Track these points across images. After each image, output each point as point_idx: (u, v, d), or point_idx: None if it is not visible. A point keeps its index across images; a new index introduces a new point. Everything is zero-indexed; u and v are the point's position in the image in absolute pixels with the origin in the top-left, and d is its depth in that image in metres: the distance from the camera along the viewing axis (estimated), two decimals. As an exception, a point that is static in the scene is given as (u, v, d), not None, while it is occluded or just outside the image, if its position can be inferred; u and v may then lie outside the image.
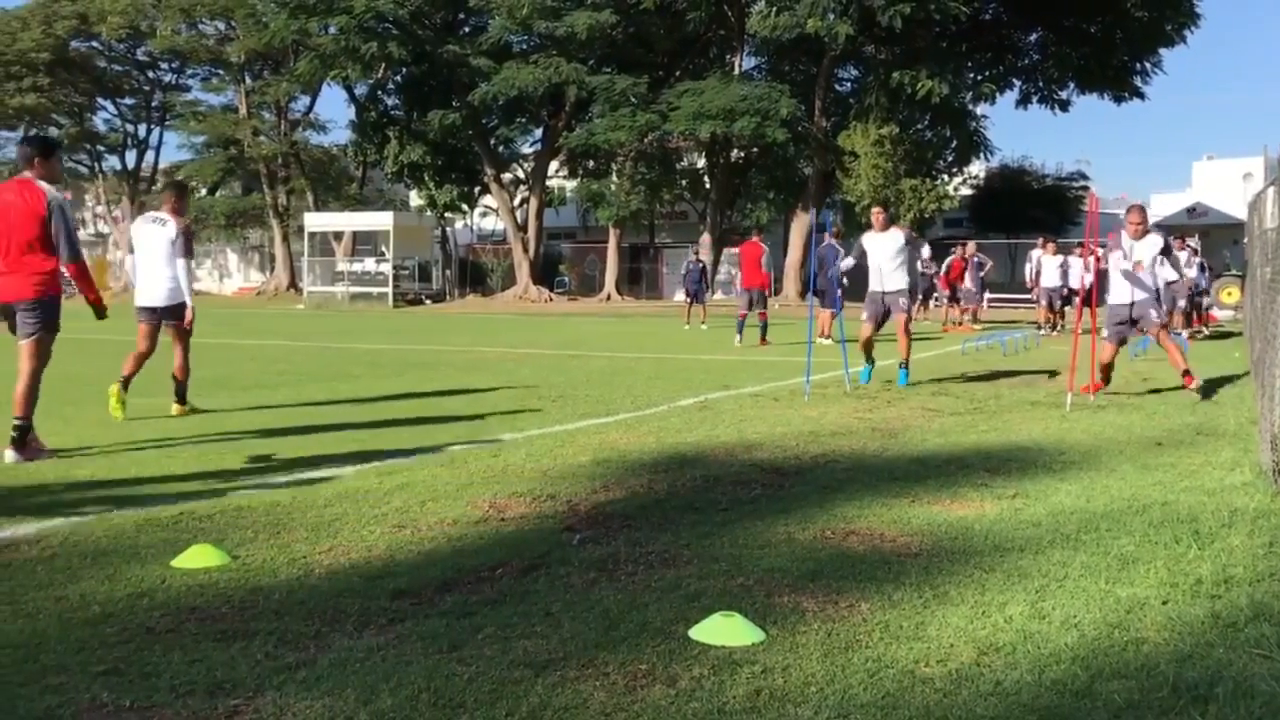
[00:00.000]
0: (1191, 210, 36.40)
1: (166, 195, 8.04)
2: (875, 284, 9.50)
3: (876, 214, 9.76)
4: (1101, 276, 17.32)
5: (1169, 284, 16.96)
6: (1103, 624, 3.07)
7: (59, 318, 5.99)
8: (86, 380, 10.02)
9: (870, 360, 9.55)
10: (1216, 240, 31.31)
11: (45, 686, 2.62)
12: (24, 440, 5.76)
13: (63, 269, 5.98)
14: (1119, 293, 8.84)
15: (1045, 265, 18.61)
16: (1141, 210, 9.08)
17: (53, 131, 46.10)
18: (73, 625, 3.08)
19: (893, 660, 2.79)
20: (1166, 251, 8.87)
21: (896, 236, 9.62)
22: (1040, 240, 19.92)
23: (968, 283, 20.74)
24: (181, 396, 7.66)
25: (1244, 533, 4.07)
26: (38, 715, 2.47)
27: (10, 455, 5.70)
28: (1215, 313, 21.80)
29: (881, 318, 9.56)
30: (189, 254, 7.64)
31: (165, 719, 2.46)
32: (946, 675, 2.70)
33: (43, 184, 5.92)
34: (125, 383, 7.38)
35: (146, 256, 7.52)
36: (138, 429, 6.83)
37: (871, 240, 9.64)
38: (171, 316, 7.53)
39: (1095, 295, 11.18)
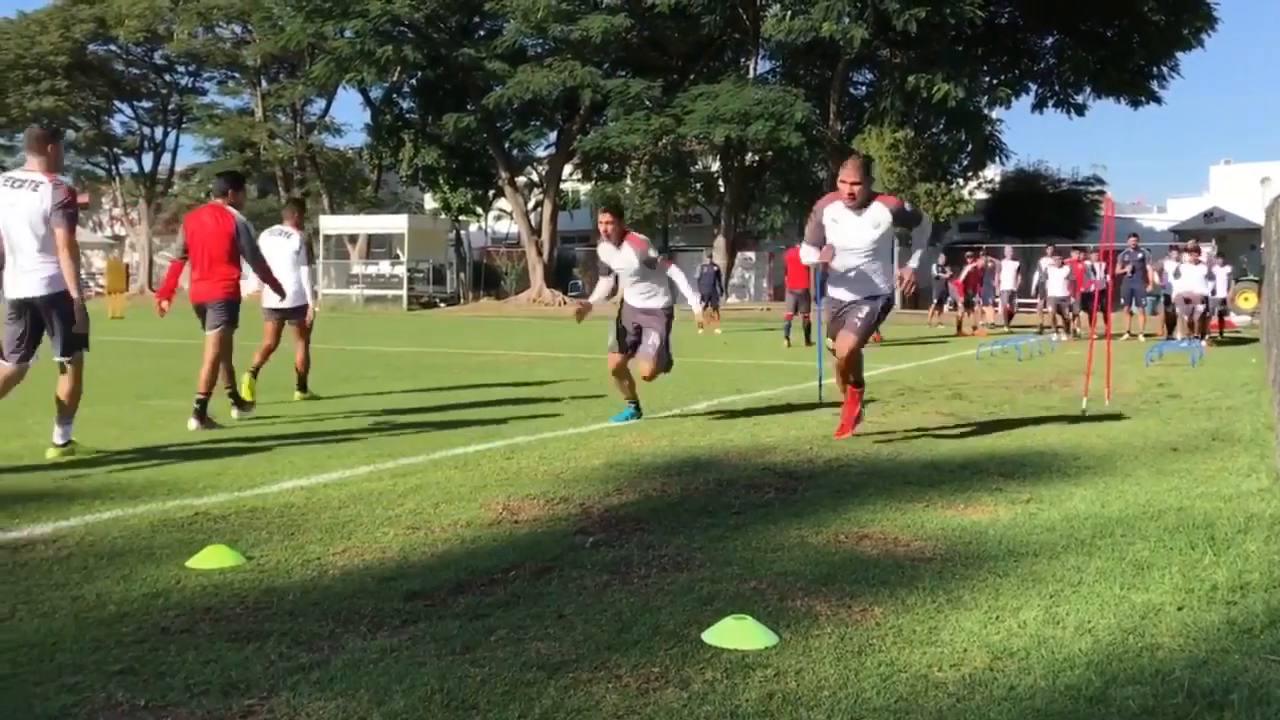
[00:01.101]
0: (1209, 215, 36.18)
1: (289, 211, 9.21)
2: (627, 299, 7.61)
3: (604, 222, 7.36)
4: (1117, 281, 17.29)
5: (1186, 298, 16.84)
6: (1117, 629, 3.06)
7: (238, 316, 7.30)
8: (102, 382, 10.09)
9: (631, 399, 7.52)
10: (1234, 245, 31.09)
11: (61, 685, 2.64)
12: (204, 413, 7.05)
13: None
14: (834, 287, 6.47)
15: (1051, 275, 18.71)
16: (859, 166, 6.08)
17: (70, 134, 46.54)
18: (88, 624, 3.10)
19: (906, 664, 2.79)
20: (907, 221, 6.24)
21: (629, 253, 7.39)
22: (1048, 249, 20.02)
23: (1007, 284, 20.60)
24: (303, 385, 8.77)
25: (1260, 539, 4.05)
26: (53, 714, 2.49)
27: (193, 424, 6.97)
28: (1233, 318, 21.63)
29: (633, 341, 7.50)
30: (311, 261, 8.85)
31: (180, 718, 2.48)
32: (960, 680, 2.69)
33: (231, 209, 7.30)
34: (255, 372, 8.28)
35: (273, 265, 8.33)
36: (153, 431, 6.87)
37: (605, 252, 7.54)
38: (295, 316, 8.63)
39: (1110, 301, 11.11)
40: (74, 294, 5.61)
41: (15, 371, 5.72)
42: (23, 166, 5.78)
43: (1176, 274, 17.16)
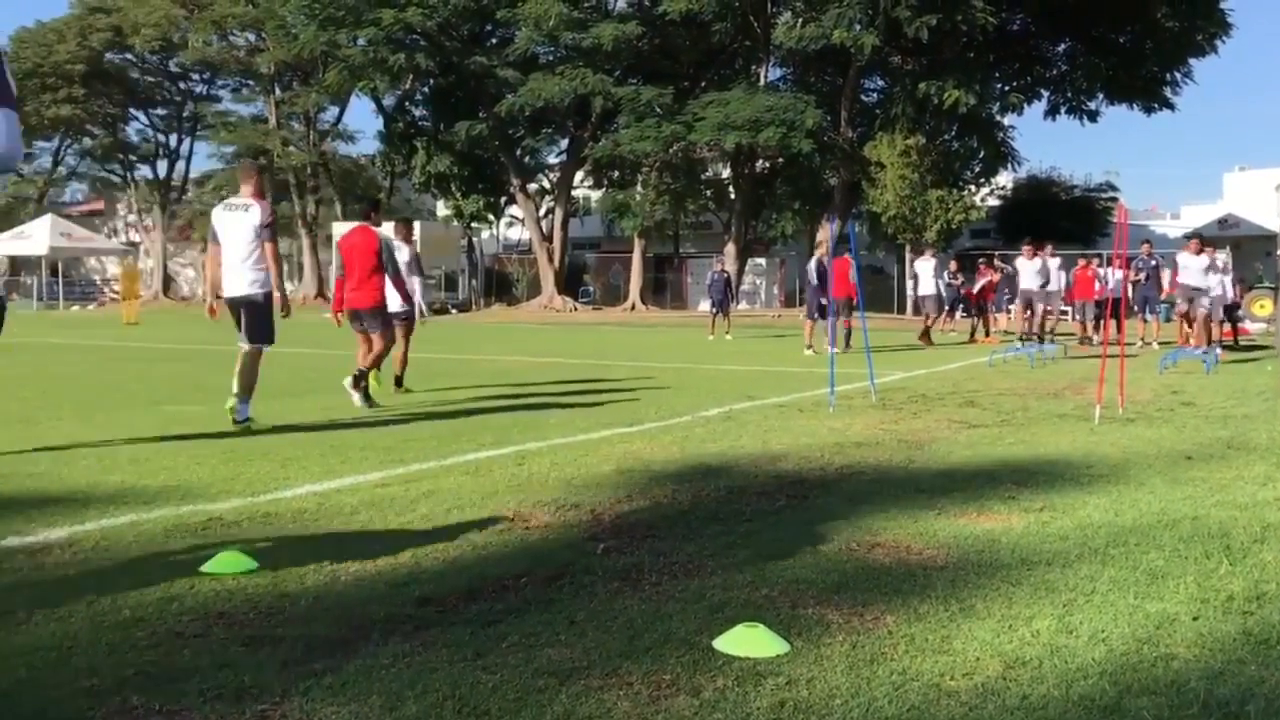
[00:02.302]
0: (1223, 222, 36.02)
1: (398, 228, 10.22)
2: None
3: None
4: (1133, 287, 17.18)
5: (1199, 291, 16.61)
6: (1132, 639, 3.04)
7: (390, 316, 8.73)
8: (115, 387, 10.16)
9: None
10: (1249, 252, 30.94)
11: (77, 689, 2.66)
12: (364, 389, 8.35)
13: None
14: None
15: (1022, 267, 18.10)
16: None
17: (86, 142, 46.92)
18: (103, 629, 3.12)
19: (918, 673, 2.78)
20: None
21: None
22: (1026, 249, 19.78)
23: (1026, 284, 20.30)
24: (399, 381, 9.57)
25: (1277, 548, 4.02)
26: (69, 717, 2.51)
27: (356, 398, 8.23)
28: (1248, 326, 21.50)
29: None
30: (423, 273, 10.12)
31: (194, 723, 2.49)
32: (972, 689, 2.68)
33: (375, 229, 8.72)
34: (398, 380, 9.47)
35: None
36: (167, 436, 6.91)
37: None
38: (403, 319, 9.46)
39: (1124, 307, 11.05)
40: (276, 294, 7.21)
41: (251, 351, 7.28)
42: (237, 194, 7.53)
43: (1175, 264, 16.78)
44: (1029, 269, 17.79)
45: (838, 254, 17.39)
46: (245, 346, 7.24)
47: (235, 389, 7.15)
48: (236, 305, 7.23)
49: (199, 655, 2.89)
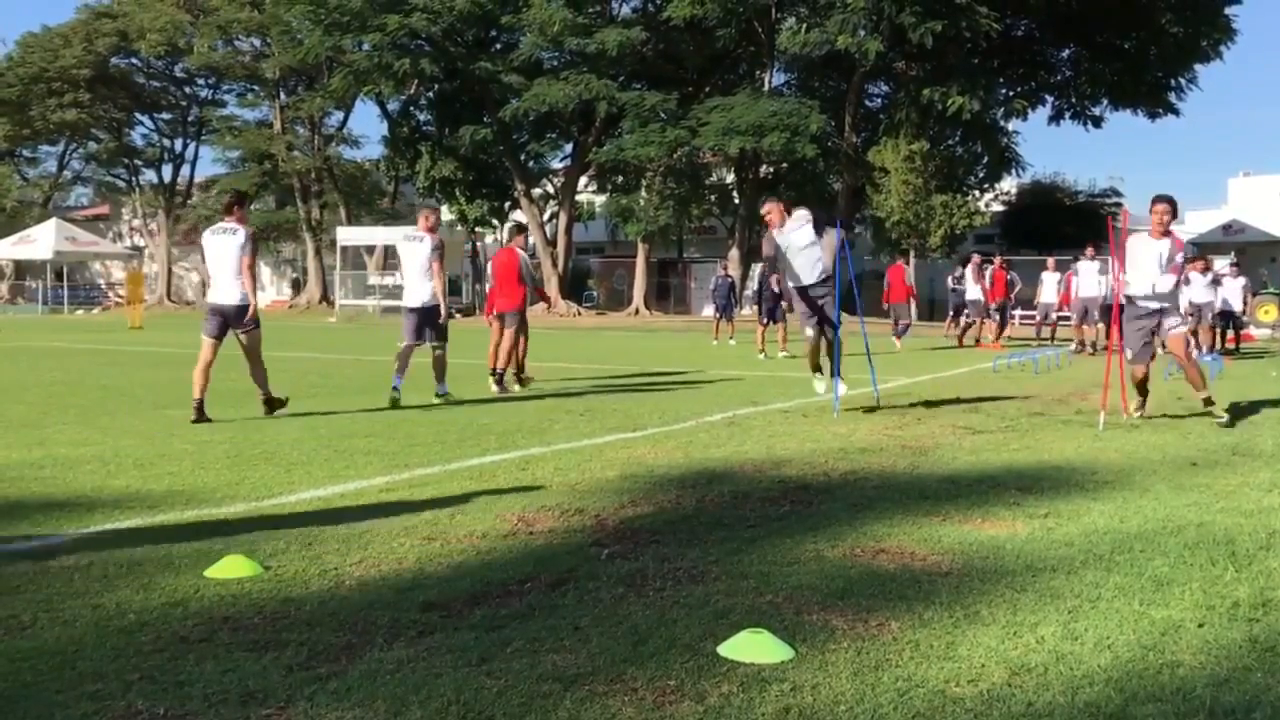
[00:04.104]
0: (1228, 227, 35.99)
1: (513, 234, 11.75)
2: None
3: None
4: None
5: (1198, 306, 16.65)
6: (1137, 646, 3.04)
7: (526, 319, 10.69)
8: (121, 391, 10.18)
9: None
10: (1254, 257, 30.92)
11: (81, 693, 2.66)
12: (501, 381, 10.31)
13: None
14: None
15: (1045, 281, 19.03)
16: None
17: (92, 146, 47.00)
18: (109, 633, 3.12)
19: (923, 680, 2.77)
20: None
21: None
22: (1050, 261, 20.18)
23: (1047, 297, 20.34)
24: (521, 368, 10.91)
25: (1282, 555, 4.01)
26: (74, 721, 2.51)
27: (494, 388, 10.17)
28: (1252, 331, 21.45)
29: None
30: (533, 281, 11.26)
31: (198, 727, 2.49)
32: (977, 696, 2.68)
33: (518, 250, 10.84)
34: (520, 369, 10.82)
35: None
36: (171, 440, 6.92)
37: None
38: (514, 319, 10.70)
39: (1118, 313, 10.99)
40: (442, 306, 9.26)
41: (411, 349, 9.23)
42: (415, 227, 9.73)
43: (1187, 281, 16.82)
44: (1050, 281, 18.37)
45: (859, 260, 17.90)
46: (432, 345, 9.26)
47: (435, 378, 9.37)
48: (417, 314, 9.27)
49: (204, 660, 2.90)
